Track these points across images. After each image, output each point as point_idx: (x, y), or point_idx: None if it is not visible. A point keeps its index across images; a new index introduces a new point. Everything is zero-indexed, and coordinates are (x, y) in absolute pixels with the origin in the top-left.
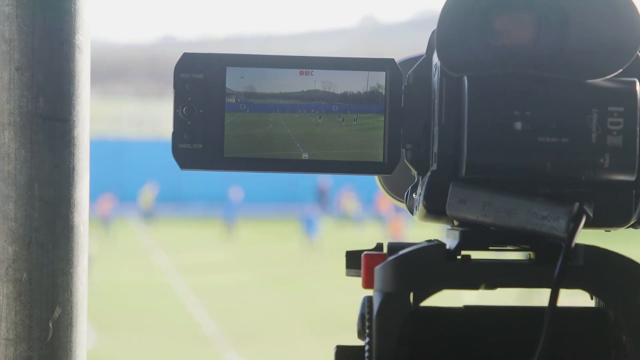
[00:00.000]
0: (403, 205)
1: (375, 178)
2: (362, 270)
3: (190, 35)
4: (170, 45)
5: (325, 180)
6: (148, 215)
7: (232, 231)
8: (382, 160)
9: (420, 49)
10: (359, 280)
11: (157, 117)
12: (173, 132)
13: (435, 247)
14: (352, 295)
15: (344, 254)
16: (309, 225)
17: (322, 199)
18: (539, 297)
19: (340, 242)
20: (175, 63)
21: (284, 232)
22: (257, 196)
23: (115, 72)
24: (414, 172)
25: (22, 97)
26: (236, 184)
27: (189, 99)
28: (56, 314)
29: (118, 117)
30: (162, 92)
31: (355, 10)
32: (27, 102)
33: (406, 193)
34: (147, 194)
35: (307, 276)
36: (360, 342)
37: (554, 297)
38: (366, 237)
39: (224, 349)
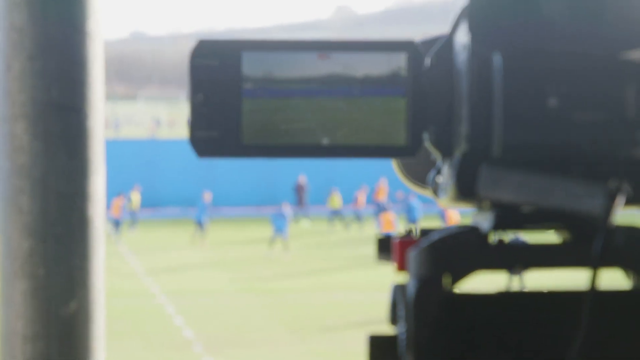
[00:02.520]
0: (423, 191)
1: (393, 163)
2: (396, 255)
3: (160, 31)
4: (140, 40)
5: (303, 179)
6: (134, 218)
7: (206, 234)
8: (404, 143)
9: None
10: (335, 280)
11: (131, 119)
12: (190, 120)
13: (470, 230)
14: (328, 294)
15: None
16: (279, 225)
17: (300, 198)
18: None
19: (316, 241)
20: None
21: (259, 233)
22: (234, 199)
23: None
24: (437, 155)
25: (35, 87)
26: (213, 187)
27: (205, 86)
28: (74, 310)
29: None
30: (134, 94)
31: (329, 1)
32: (40, 92)
33: (429, 177)
34: (135, 196)
35: (282, 276)
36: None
37: (593, 278)
38: (347, 235)
39: (200, 352)
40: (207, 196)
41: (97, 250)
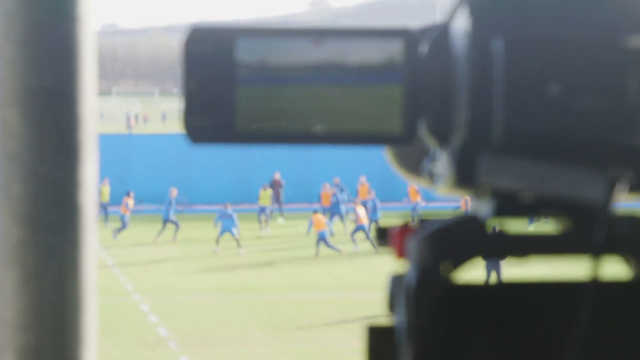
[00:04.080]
0: (417, 179)
1: (386, 152)
2: (396, 243)
3: (133, 24)
4: (113, 34)
5: (278, 175)
6: (105, 212)
7: (175, 230)
8: (399, 130)
9: None
10: (311, 278)
11: (104, 115)
12: (184, 108)
13: (470, 218)
14: (303, 292)
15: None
16: (227, 225)
17: (276, 194)
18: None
19: (291, 238)
20: (185, 37)
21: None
22: (210, 197)
23: None
24: (433, 143)
25: (27, 73)
26: (188, 185)
27: (199, 73)
28: (65, 299)
29: None
30: (108, 89)
31: None
32: (32, 79)
33: (424, 165)
34: (104, 189)
35: (258, 274)
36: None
37: (595, 266)
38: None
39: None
40: (174, 192)
41: (88, 238)
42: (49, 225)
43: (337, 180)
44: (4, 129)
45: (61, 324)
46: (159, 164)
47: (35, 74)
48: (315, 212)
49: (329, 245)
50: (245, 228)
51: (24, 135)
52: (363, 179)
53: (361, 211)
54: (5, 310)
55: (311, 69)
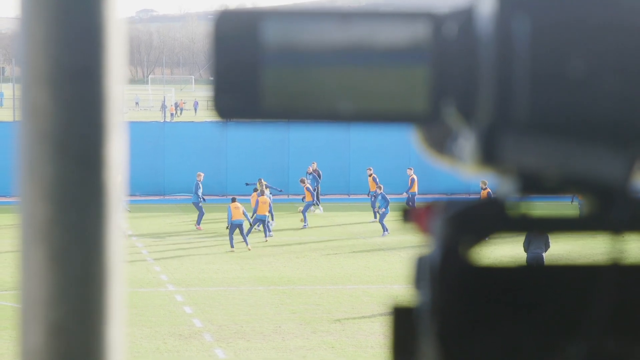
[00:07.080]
0: (443, 158)
1: (414, 133)
2: (421, 223)
3: (169, 9)
4: (148, 20)
5: (315, 166)
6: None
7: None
8: (425, 110)
9: None
10: (346, 270)
11: (143, 103)
12: (213, 86)
13: (492, 198)
14: (339, 285)
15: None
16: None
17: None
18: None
19: (327, 230)
20: (213, 20)
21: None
22: (246, 187)
23: None
24: (459, 123)
25: (56, 52)
26: (224, 176)
27: (228, 53)
28: (91, 276)
29: None
30: (144, 77)
31: None
32: (62, 58)
33: (449, 144)
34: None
35: (293, 266)
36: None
37: (615, 244)
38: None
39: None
40: (200, 176)
41: (115, 215)
42: (76, 204)
43: (312, 167)
44: (32, 108)
45: (88, 301)
46: (194, 152)
47: (64, 53)
48: (234, 200)
49: (243, 235)
50: (280, 218)
51: (52, 114)
52: (370, 170)
53: (264, 203)
54: (32, 287)
55: (337, 50)
